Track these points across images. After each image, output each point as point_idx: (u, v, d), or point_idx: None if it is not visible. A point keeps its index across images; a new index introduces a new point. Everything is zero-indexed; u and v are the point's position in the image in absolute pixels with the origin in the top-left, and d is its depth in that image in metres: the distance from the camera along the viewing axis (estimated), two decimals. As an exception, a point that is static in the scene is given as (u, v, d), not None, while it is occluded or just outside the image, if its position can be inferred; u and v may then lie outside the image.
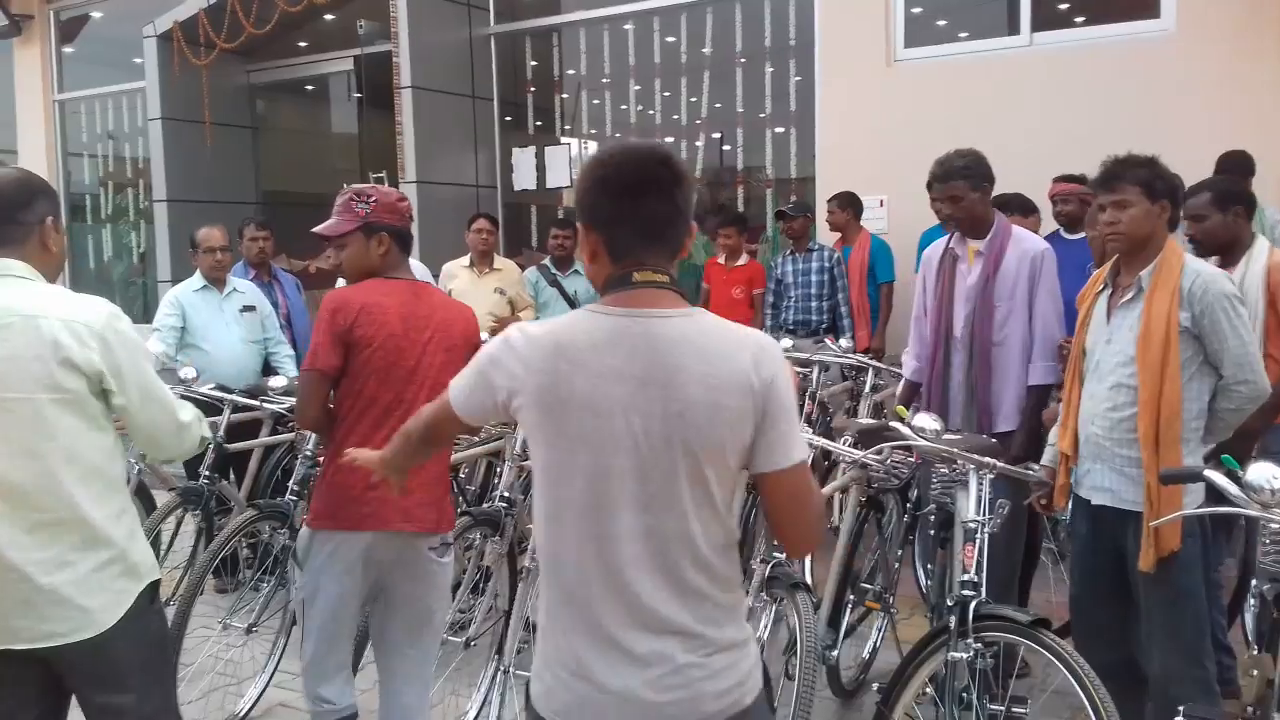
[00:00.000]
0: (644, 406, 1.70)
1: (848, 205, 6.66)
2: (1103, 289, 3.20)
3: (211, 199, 9.47)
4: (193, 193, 9.59)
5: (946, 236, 4.11)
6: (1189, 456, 2.98)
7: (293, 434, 4.82)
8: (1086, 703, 2.56)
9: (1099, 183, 3.11)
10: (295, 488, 4.20)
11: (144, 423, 2.39)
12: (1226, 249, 3.71)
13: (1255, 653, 2.65)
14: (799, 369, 5.67)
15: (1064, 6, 6.96)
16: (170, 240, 9.46)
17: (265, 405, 4.68)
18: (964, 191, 3.91)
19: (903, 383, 4.26)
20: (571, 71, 9.10)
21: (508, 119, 9.28)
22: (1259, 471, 2.22)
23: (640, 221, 1.76)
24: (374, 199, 3.02)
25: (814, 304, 6.43)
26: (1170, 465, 2.90)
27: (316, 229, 3.03)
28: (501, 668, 3.58)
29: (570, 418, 1.71)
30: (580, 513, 1.74)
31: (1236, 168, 5.15)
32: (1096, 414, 3.12)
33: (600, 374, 1.70)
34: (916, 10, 7.16)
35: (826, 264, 6.46)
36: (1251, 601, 2.69)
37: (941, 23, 7.31)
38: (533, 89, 9.28)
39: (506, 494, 3.76)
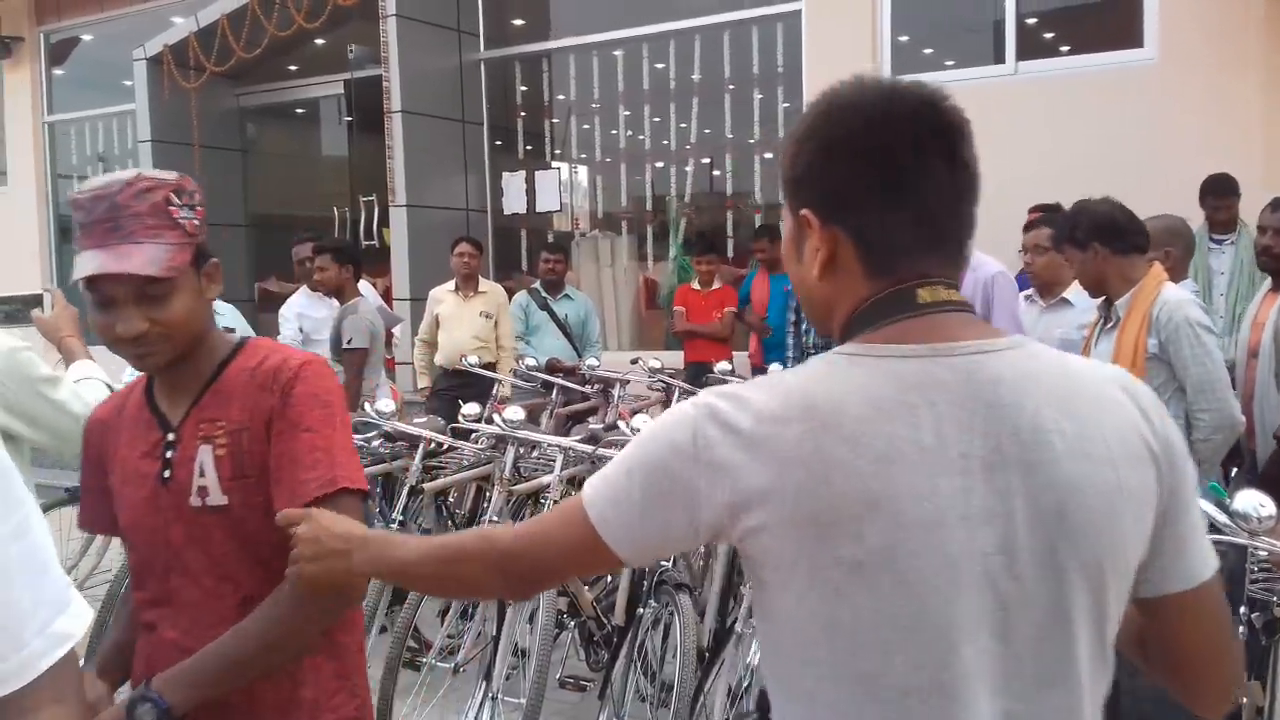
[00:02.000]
0: (996, 505, 1.00)
1: (777, 240, 6.80)
2: (1099, 319, 3.39)
3: (200, 221, 9.45)
4: (181, 215, 9.57)
5: None
6: None
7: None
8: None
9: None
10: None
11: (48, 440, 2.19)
12: None
13: (1245, 680, 2.66)
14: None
15: (1049, 36, 7.04)
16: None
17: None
18: None
19: None
20: (561, 97, 9.14)
21: (498, 143, 9.31)
22: (1246, 499, 2.23)
23: (918, 207, 1.08)
24: (199, 199, 1.68)
25: None
26: None
27: (116, 269, 1.54)
28: (490, 694, 3.55)
29: (864, 539, 0.99)
30: (897, 701, 1.01)
31: (1224, 189, 5.23)
32: None
33: (909, 457, 0.99)
34: (903, 38, 7.23)
35: None
36: (1240, 629, 2.70)
37: (928, 51, 7.38)
38: (523, 114, 9.32)
39: (495, 518, 3.75)
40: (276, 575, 1.55)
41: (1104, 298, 3.37)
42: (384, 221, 8.78)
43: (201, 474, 1.61)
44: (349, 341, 5.17)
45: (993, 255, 4.11)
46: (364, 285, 6.48)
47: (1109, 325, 3.28)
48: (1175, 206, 5.25)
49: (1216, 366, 3.10)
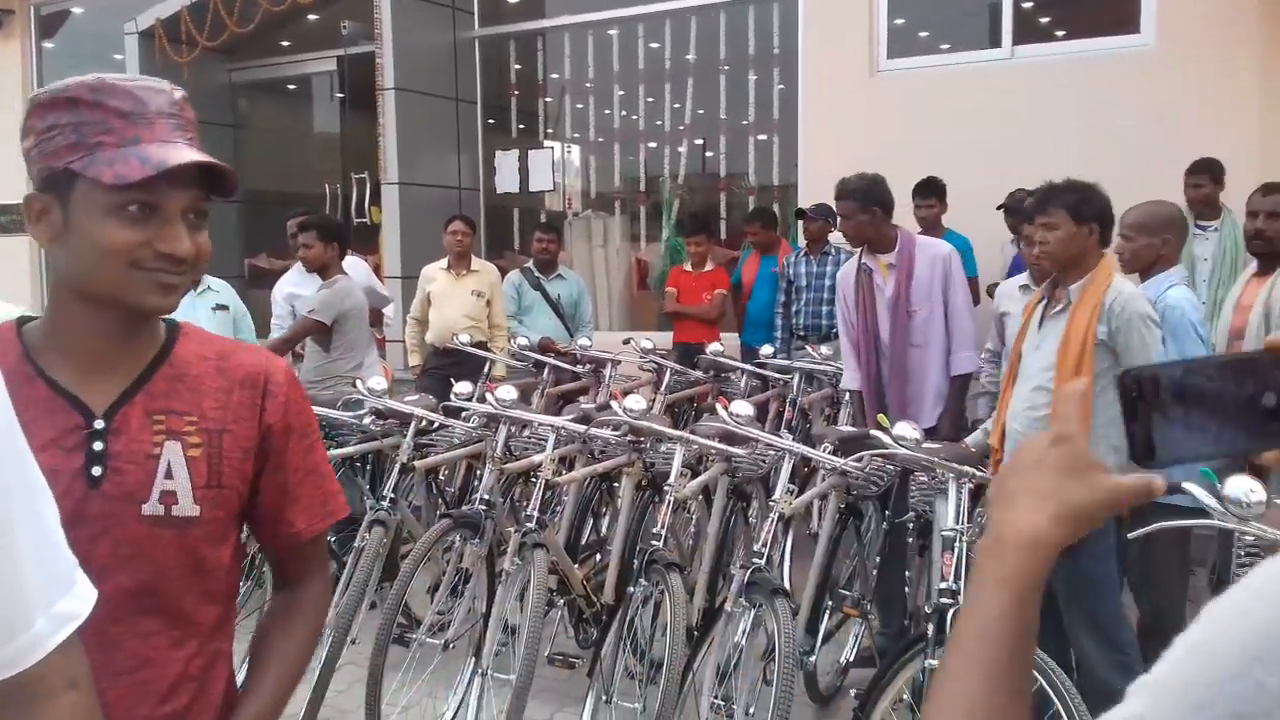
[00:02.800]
0: None
1: (770, 223, 6.86)
2: (1042, 300, 3.45)
3: (191, 197, 9.41)
4: (172, 190, 9.53)
5: (857, 254, 4.38)
6: None
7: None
8: (1061, 709, 2.59)
9: (1032, 207, 3.38)
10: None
11: None
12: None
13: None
14: (780, 375, 5.71)
15: (1045, 20, 7.02)
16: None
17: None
18: (852, 211, 4.21)
19: (849, 395, 4.51)
20: (555, 75, 9.10)
21: (491, 122, 9.27)
22: (1237, 485, 2.24)
23: None
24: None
25: (825, 308, 6.05)
26: None
27: (210, 162, 1.30)
28: (479, 670, 3.57)
29: None
30: None
31: (1197, 168, 5.38)
32: (1018, 413, 3.37)
33: None
34: (899, 21, 7.20)
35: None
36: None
37: (924, 34, 7.36)
38: (516, 92, 9.28)
39: (487, 496, 3.75)
40: (218, 607, 1.40)
41: (1051, 279, 3.43)
42: (375, 199, 8.75)
43: (169, 475, 1.32)
44: (310, 311, 5.14)
45: (996, 237, 4.20)
46: (356, 262, 6.45)
47: (1058, 308, 3.32)
48: (1171, 193, 5.28)
49: (1158, 358, 3.20)
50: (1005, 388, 3.53)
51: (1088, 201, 3.31)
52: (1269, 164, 5.51)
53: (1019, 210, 5.78)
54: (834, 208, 4.32)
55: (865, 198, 4.22)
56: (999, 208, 5.81)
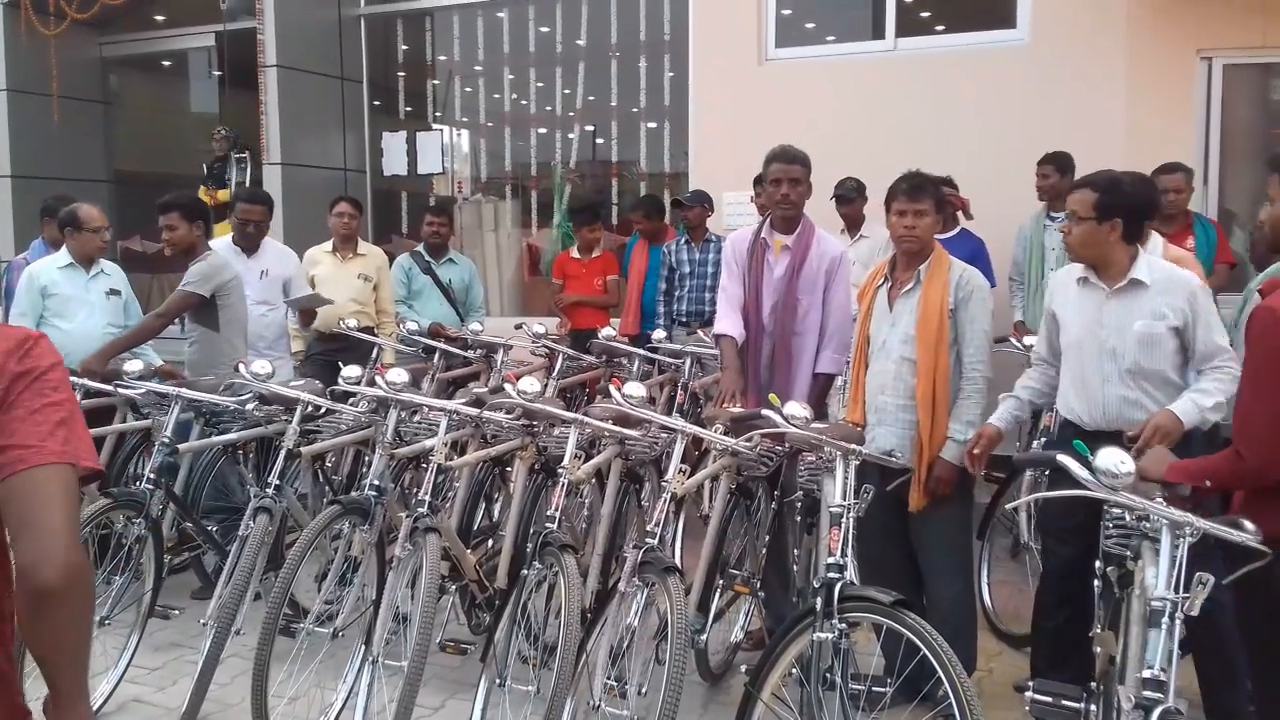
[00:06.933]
0: None
1: (654, 212, 6.88)
2: (883, 283, 3.73)
3: (60, 176, 9.01)
4: (40, 169, 9.11)
5: (757, 225, 4.31)
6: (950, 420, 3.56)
7: (149, 420, 4.64)
8: (945, 681, 2.66)
9: (907, 191, 3.59)
10: (151, 476, 4.04)
11: None
12: None
13: (1099, 631, 2.81)
14: (672, 360, 5.75)
15: (926, 14, 7.20)
16: (14, 218, 8.97)
17: (120, 391, 4.48)
18: (803, 176, 4.17)
19: (726, 342, 4.18)
20: (444, 57, 8.97)
21: (377, 103, 9.09)
22: (1108, 457, 2.35)
23: None
24: None
25: (708, 295, 6.09)
26: (940, 424, 3.50)
27: None
28: (370, 658, 3.52)
29: None
30: None
31: (1046, 159, 5.69)
32: (886, 386, 3.64)
33: None
34: (787, 12, 7.31)
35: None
36: (1096, 583, 2.85)
37: (810, 25, 7.48)
38: (403, 73, 9.12)
39: (377, 482, 3.69)
40: None
41: (891, 262, 3.74)
42: (256, 180, 8.50)
43: None
44: (185, 284, 4.92)
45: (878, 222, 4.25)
46: (285, 250, 6.16)
47: (907, 288, 3.61)
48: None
49: (989, 336, 3.64)
50: (858, 369, 3.80)
51: (941, 196, 3.72)
52: (1132, 154, 5.75)
53: (851, 199, 5.99)
54: (782, 172, 4.08)
55: (808, 167, 4.18)
56: (832, 198, 6.01)
